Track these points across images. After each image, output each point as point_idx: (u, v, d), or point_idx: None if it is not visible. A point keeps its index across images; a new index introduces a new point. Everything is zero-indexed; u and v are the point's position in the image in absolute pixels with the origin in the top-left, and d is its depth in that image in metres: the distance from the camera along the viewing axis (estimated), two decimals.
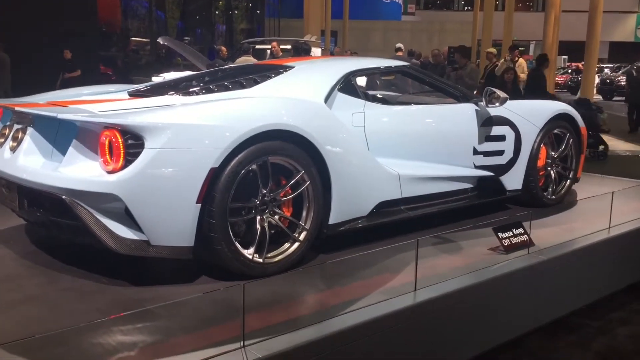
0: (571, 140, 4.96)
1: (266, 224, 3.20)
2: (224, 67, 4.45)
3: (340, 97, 3.87)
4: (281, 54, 12.09)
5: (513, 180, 4.61)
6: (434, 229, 4.12)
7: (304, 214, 3.35)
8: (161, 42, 13.27)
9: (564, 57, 38.36)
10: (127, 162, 2.82)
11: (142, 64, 20.04)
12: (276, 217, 3.25)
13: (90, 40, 16.37)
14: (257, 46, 13.74)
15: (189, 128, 2.92)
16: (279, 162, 3.21)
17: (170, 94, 3.62)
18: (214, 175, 2.93)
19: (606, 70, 28.83)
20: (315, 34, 15.93)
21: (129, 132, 2.83)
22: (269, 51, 13.37)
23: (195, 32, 24.76)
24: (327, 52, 15.11)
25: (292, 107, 3.33)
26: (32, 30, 13.90)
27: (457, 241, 3.88)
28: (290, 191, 3.32)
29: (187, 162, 2.87)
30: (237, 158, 3.00)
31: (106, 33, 20.35)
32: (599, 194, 5.20)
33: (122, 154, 2.82)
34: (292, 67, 3.96)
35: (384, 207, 3.83)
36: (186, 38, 24.18)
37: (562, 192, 4.99)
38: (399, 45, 13.09)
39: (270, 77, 3.77)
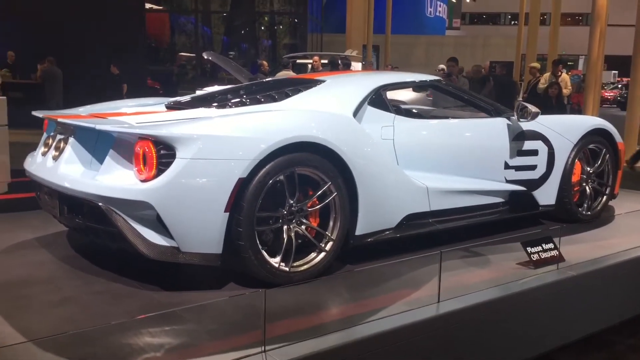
0: (607, 155, 4.89)
1: (293, 234, 3.28)
2: (259, 81, 4.57)
3: (370, 111, 3.94)
4: (321, 68, 12.24)
5: (546, 195, 4.58)
6: (463, 242, 4.13)
7: (331, 224, 3.42)
8: (205, 57, 13.60)
9: (613, 72, 37.52)
10: (160, 172, 2.95)
11: (189, 78, 20.54)
12: (303, 227, 3.32)
13: (138, 55, 16.91)
14: (298, 61, 13.93)
15: (219, 139, 3.03)
16: (306, 174, 3.29)
17: (205, 107, 3.75)
18: (242, 185, 3.02)
19: None
20: (357, 48, 16.07)
21: (162, 142, 2.96)
22: (310, 65, 13.54)
23: (240, 47, 25.23)
24: (370, 67, 15.18)
25: (320, 120, 3.41)
26: (82, 45, 14.43)
27: (485, 254, 3.88)
28: (317, 202, 3.39)
29: (216, 172, 2.98)
30: (265, 169, 3.09)
31: (154, 48, 20.95)
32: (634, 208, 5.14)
33: (154, 163, 2.95)
34: (323, 81, 4.05)
35: (412, 219, 3.86)
36: (231, 53, 24.67)
37: (598, 208, 4.92)
38: (441, 66, 13.14)
39: (301, 91, 3.87)
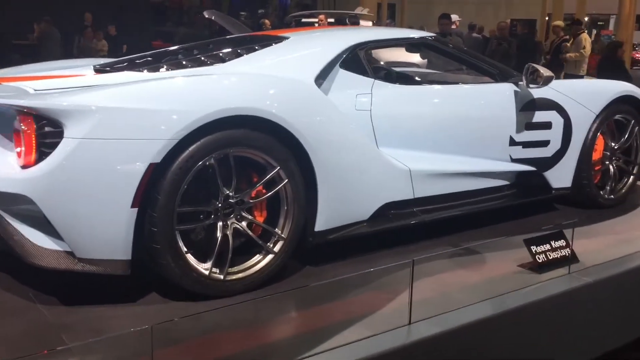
0: (637, 128, 4.09)
1: (230, 232, 2.59)
2: (219, 39, 3.85)
3: (343, 75, 3.20)
4: None
5: (560, 177, 3.82)
6: (455, 235, 3.42)
7: (281, 219, 2.72)
8: (207, 16, 12.81)
9: None
10: (42, 155, 2.27)
11: (197, 39, 19.73)
12: (244, 223, 2.63)
13: (140, 15, 16.16)
14: (304, 20, 13.06)
15: (123, 113, 2.33)
16: (247, 156, 2.59)
17: (134, 70, 3.04)
18: (155, 172, 2.33)
19: None
20: (372, 7, 15.11)
21: (45, 117, 2.27)
22: (316, 24, 12.68)
23: (251, 6, 24.24)
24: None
25: (264, 86, 2.68)
26: (79, 5, 13.72)
27: (479, 253, 3.15)
28: (264, 191, 2.69)
29: (118, 156, 2.29)
30: (187, 151, 2.39)
31: (159, 7, 20.13)
32: None
33: (33, 144, 2.27)
34: (285, 39, 3.31)
35: (391, 209, 3.15)
36: (242, 13, 23.73)
37: (624, 190, 4.15)
38: (454, 16, 11.96)
39: (255, 50, 3.13)
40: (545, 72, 3.46)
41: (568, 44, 10.42)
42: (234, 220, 2.61)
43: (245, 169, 2.64)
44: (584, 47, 9.73)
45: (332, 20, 12.23)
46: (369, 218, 3.05)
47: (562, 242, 3.07)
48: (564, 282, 2.87)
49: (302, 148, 2.67)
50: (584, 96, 3.82)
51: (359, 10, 13.61)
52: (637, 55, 27.16)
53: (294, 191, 2.69)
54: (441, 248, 3.23)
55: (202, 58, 3.07)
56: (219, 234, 2.56)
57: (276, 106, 2.58)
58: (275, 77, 2.82)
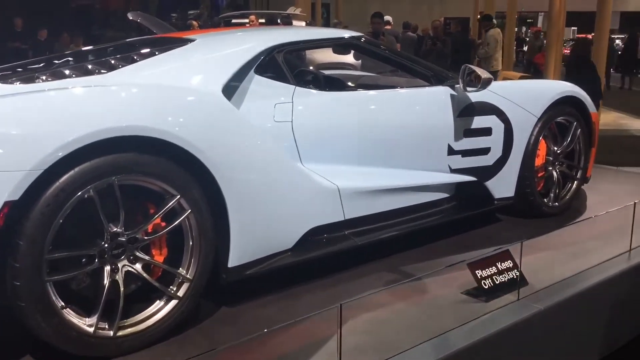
0: (579, 130, 3.85)
1: (121, 277, 2.14)
2: (123, 42, 3.35)
3: (258, 82, 2.79)
4: None
5: (503, 186, 3.52)
6: (392, 258, 3.06)
7: (186, 257, 2.29)
8: (131, 18, 12.14)
9: (573, 28, 36.80)
10: None
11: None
12: (138, 265, 2.18)
13: (69, 19, 15.36)
14: (234, 20, 12.51)
15: None
16: (139, 184, 2.14)
17: (7, 81, 2.53)
18: (12, 211, 1.86)
19: (617, 42, 27.35)
20: (305, 7, 14.70)
21: None
22: (247, 25, 12.19)
23: (181, 6, 23.46)
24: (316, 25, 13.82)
25: (154, 100, 2.23)
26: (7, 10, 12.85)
27: (421, 280, 2.80)
28: (163, 224, 2.25)
29: None
30: (57, 184, 1.93)
31: (85, 9, 19.18)
32: (614, 195, 4.16)
33: None
34: (191, 41, 2.86)
35: (319, 234, 2.76)
36: (173, 15, 22.94)
37: (568, 196, 3.90)
38: (387, 17, 11.73)
39: (153, 55, 2.67)
40: (483, 73, 3.14)
41: (479, 40, 10.40)
42: (125, 262, 2.16)
43: (139, 199, 2.20)
44: (488, 44, 9.69)
45: (263, 20, 11.78)
46: (294, 246, 2.65)
47: (509, 263, 2.76)
48: (513, 311, 2.54)
49: (208, 172, 2.25)
50: (524, 98, 3.53)
51: (291, 10, 13.17)
52: (566, 51, 27.78)
53: (200, 223, 2.26)
54: (375, 275, 2.86)
55: (89, 66, 2.60)
56: (106, 281, 2.10)
57: (172, 123, 2.15)
58: (172, 87, 2.37)
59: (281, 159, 2.59)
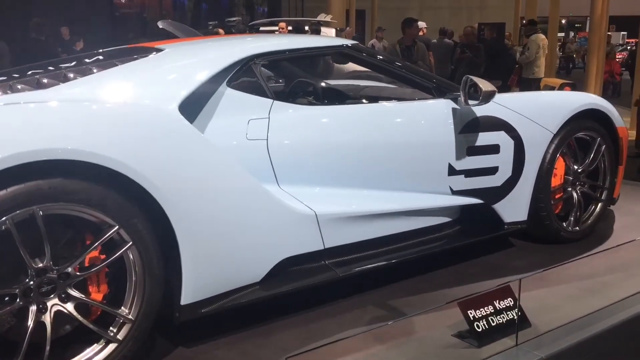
0: (603, 147, 3.46)
1: (49, 318, 1.90)
2: (95, 52, 3.12)
3: (231, 96, 2.54)
4: None
5: (514, 209, 3.17)
6: (387, 288, 2.76)
7: (128, 295, 2.04)
8: (160, 26, 12.12)
9: (622, 33, 35.52)
10: None
11: None
12: (70, 304, 1.94)
13: (105, 27, 15.51)
14: (263, 28, 12.34)
15: None
16: (70, 214, 1.91)
17: None
18: None
19: None
20: (338, 14, 14.43)
21: None
22: (277, 32, 12.02)
23: (218, 14, 23.54)
24: (349, 34, 13.53)
25: (85, 118, 1.98)
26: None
27: (407, 318, 2.48)
28: (101, 257, 2.01)
29: None
30: None
31: (119, 17, 19.41)
32: None
33: None
34: (158, 50, 2.63)
35: (294, 265, 2.48)
36: (211, 23, 23.03)
37: (590, 220, 3.51)
38: (421, 23, 11.31)
39: (112, 66, 2.44)
40: (485, 85, 2.80)
41: (517, 47, 9.91)
42: (56, 300, 1.92)
43: (75, 231, 1.96)
44: (529, 49, 9.19)
45: (290, 28, 11.58)
46: (264, 279, 2.38)
47: (509, 302, 2.42)
48: (509, 359, 2.21)
49: (154, 199, 2.00)
50: (539, 112, 3.18)
51: (321, 17, 12.95)
52: (620, 56, 26.78)
53: (143, 257, 2.01)
54: (358, 311, 2.56)
55: (42, 79, 2.38)
56: (30, 323, 1.87)
57: (105, 145, 1.90)
58: (108, 104, 2.12)
59: (249, 182, 2.32)
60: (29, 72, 2.59)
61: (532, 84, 9.08)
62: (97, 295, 2.02)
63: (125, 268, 2.02)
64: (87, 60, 2.69)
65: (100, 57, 2.72)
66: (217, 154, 2.24)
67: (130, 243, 1.98)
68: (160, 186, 1.99)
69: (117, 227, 1.95)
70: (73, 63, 2.70)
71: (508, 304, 2.40)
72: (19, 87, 2.34)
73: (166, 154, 2.06)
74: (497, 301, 2.39)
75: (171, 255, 2.10)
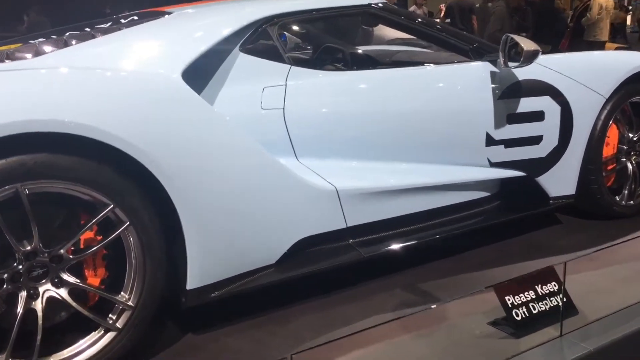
0: None
1: (41, 304, 1.75)
2: (109, 18, 2.94)
3: (245, 62, 2.34)
4: None
5: (560, 182, 2.88)
6: (417, 269, 2.54)
7: (128, 279, 1.87)
8: None
9: None
10: None
11: None
12: (63, 290, 1.79)
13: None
14: None
15: None
16: (60, 192, 1.74)
17: None
18: None
19: None
20: None
21: None
22: None
23: None
24: None
25: (74, 87, 1.80)
26: None
27: (436, 312, 2.25)
28: (98, 239, 1.84)
29: None
30: None
31: None
32: None
33: None
34: (167, 14, 2.43)
35: (314, 245, 2.28)
36: None
37: None
38: None
39: (116, 30, 2.26)
40: (527, 45, 2.50)
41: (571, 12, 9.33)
42: (48, 286, 1.77)
43: (69, 210, 1.80)
44: (591, 9, 8.62)
45: None
46: (279, 261, 2.19)
47: (552, 286, 2.16)
48: (552, 351, 1.96)
49: (153, 176, 1.82)
50: (589, 75, 2.86)
51: None
52: None
53: (143, 238, 1.84)
54: (384, 295, 2.35)
55: (43, 46, 2.21)
56: (19, 309, 1.72)
57: (96, 116, 1.72)
58: (101, 71, 1.92)
59: (261, 156, 2.11)
60: (67, 34, 2.41)
61: (593, 48, 8.55)
62: (94, 280, 1.86)
63: (125, 251, 1.85)
64: (122, 21, 2.49)
65: (115, 22, 2.52)
66: (226, 125, 2.04)
67: (128, 223, 1.81)
68: (161, 162, 1.81)
69: (111, 205, 1.78)
70: (108, 24, 2.51)
71: (552, 289, 2.15)
72: (17, 55, 2.18)
73: (167, 127, 1.87)
74: (540, 285, 2.14)
75: (176, 236, 1.92)
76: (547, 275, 2.17)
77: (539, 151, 2.79)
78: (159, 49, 2.15)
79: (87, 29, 2.43)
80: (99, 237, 1.83)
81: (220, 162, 1.98)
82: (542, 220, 3.07)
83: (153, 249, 1.86)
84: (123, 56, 2.07)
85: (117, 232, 1.81)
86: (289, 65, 2.39)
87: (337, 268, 2.31)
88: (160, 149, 1.82)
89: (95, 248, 1.81)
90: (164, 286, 1.92)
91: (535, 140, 2.77)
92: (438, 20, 8.30)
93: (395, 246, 2.44)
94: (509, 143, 2.71)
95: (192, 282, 1.96)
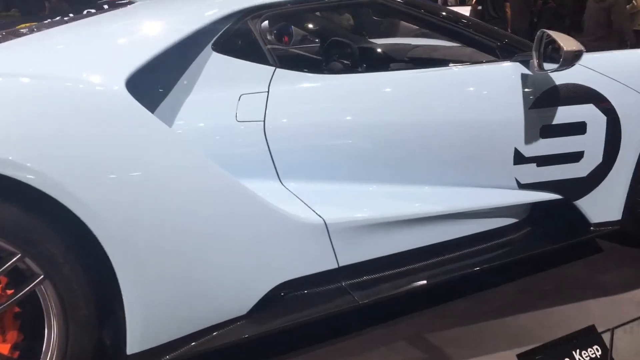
0: None
1: None
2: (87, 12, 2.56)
3: (218, 63, 1.91)
4: None
5: (604, 206, 2.39)
6: (423, 315, 2.10)
7: (45, 344, 1.48)
8: None
9: None
10: None
11: None
12: None
13: None
14: None
15: None
16: None
17: None
18: None
19: None
20: None
21: None
22: None
23: None
24: None
25: None
26: None
27: None
28: (8, 293, 1.45)
29: None
30: None
31: None
32: None
33: None
34: (129, 4, 2.02)
35: (300, 286, 1.87)
36: None
37: None
38: None
39: (59, 24, 1.86)
40: (567, 43, 2.01)
41: None
42: None
43: None
44: None
45: None
46: (251, 311, 1.77)
47: (594, 351, 1.70)
48: None
49: (77, 218, 1.41)
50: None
51: None
52: None
53: (62, 294, 1.44)
54: (382, 350, 1.92)
55: None
56: None
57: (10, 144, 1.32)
58: (21, 81, 1.51)
59: (224, 182, 1.69)
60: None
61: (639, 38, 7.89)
62: (2, 345, 1.47)
63: (43, 310, 1.46)
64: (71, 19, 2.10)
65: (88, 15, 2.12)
66: (177, 143, 1.62)
67: (42, 276, 1.41)
68: (85, 198, 1.41)
69: (19, 254, 1.38)
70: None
71: (593, 355, 1.69)
72: None
73: (90, 149, 1.45)
74: (578, 351, 1.69)
75: (111, 290, 1.52)
76: (588, 338, 1.72)
77: (579, 170, 2.31)
78: (108, 48, 1.73)
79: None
80: (10, 291, 1.44)
81: (167, 191, 1.57)
82: (580, 250, 2.59)
83: (77, 307, 1.46)
84: (50, 61, 1.65)
85: (28, 287, 1.41)
86: (274, 68, 1.96)
87: (325, 318, 1.88)
88: (81, 179, 1.41)
89: (3, 306, 1.42)
90: (92, 353, 1.52)
91: (575, 157, 2.28)
92: (470, 7, 7.71)
93: (399, 289, 2.00)
94: (542, 161, 2.23)
95: (133, 346, 1.55)
